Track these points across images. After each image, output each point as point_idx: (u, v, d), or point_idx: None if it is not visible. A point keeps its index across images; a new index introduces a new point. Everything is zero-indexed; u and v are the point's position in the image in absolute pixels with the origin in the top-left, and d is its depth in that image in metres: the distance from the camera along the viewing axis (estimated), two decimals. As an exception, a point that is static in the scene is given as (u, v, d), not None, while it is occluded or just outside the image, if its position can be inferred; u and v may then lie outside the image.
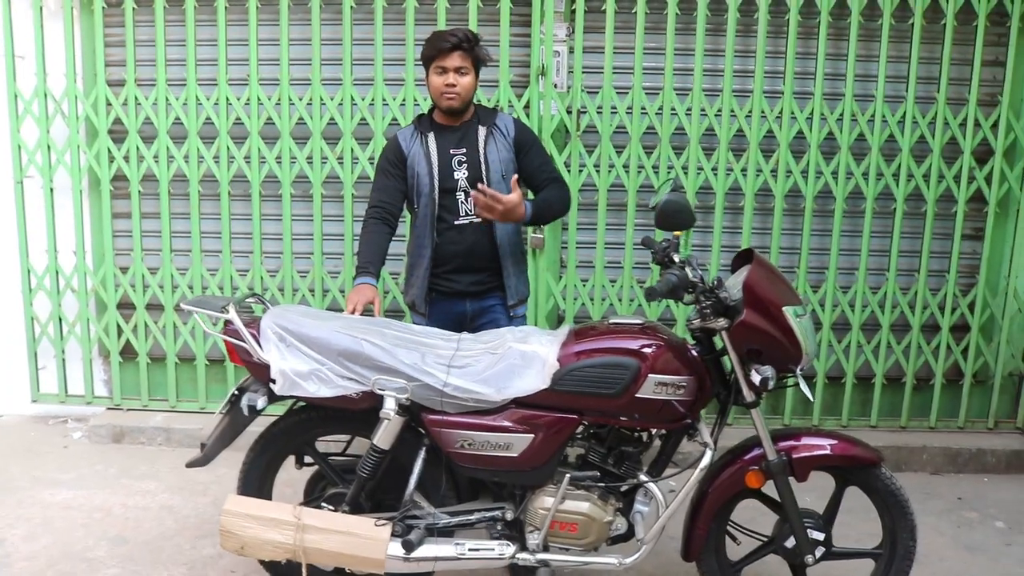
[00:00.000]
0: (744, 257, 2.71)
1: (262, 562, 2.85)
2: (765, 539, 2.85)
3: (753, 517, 2.89)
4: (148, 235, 4.52)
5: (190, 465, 2.81)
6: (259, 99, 4.32)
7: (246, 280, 4.49)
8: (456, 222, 3.18)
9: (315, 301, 4.46)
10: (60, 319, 4.59)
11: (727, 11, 4.22)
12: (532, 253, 4.29)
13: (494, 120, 3.25)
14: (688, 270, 2.56)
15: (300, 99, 4.31)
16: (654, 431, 2.73)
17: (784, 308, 2.52)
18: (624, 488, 2.71)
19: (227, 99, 4.33)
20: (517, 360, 2.58)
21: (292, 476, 2.96)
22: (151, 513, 3.69)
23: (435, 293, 3.25)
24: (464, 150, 3.20)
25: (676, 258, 2.63)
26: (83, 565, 3.24)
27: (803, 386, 2.59)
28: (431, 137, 3.20)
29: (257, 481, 2.86)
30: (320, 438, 2.87)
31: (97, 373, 4.71)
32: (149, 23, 4.35)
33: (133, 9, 4.31)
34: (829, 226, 4.41)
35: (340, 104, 4.30)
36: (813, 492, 2.95)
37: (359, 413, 2.65)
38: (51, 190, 4.47)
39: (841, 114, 4.28)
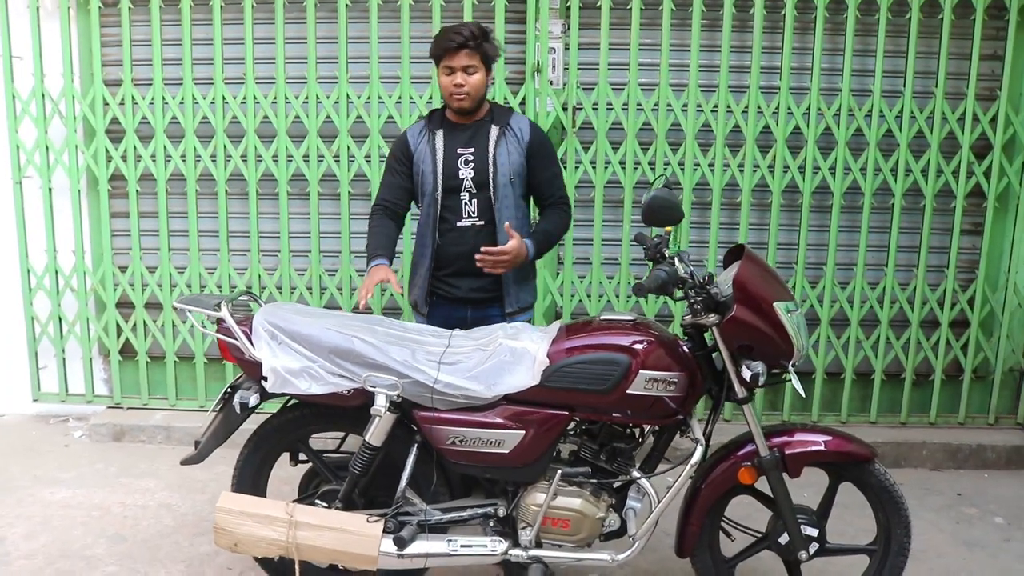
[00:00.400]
0: (736, 253, 2.70)
1: (257, 559, 2.86)
2: (759, 535, 2.85)
3: (749, 513, 2.88)
4: (146, 234, 4.53)
5: (184, 463, 2.82)
6: (255, 98, 4.33)
7: (244, 278, 4.50)
8: (459, 224, 3.11)
9: (313, 299, 4.46)
10: (60, 319, 4.61)
11: (723, 7, 4.21)
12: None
13: (508, 121, 3.15)
14: (678, 266, 2.56)
15: (296, 97, 4.32)
16: (646, 427, 2.73)
17: (775, 304, 2.51)
18: (617, 484, 2.71)
19: (223, 98, 4.34)
20: (507, 357, 2.59)
21: (291, 473, 2.97)
22: (150, 511, 3.70)
23: (436, 296, 3.19)
24: (472, 150, 3.10)
25: (667, 254, 2.62)
26: (82, 563, 3.25)
27: (795, 382, 2.58)
28: (439, 135, 3.12)
29: (251, 478, 2.87)
30: (313, 435, 2.88)
31: (97, 372, 4.73)
32: (145, 23, 4.36)
33: (129, 9, 4.31)
34: (827, 222, 4.40)
35: (336, 102, 4.31)
36: (810, 488, 2.96)
37: (351, 410, 2.66)
38: (49, 190, 4.48)
39: (838, 109, 4.27)
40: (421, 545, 2.63)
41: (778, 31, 4.29)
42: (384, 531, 2.61)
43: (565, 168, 4.23)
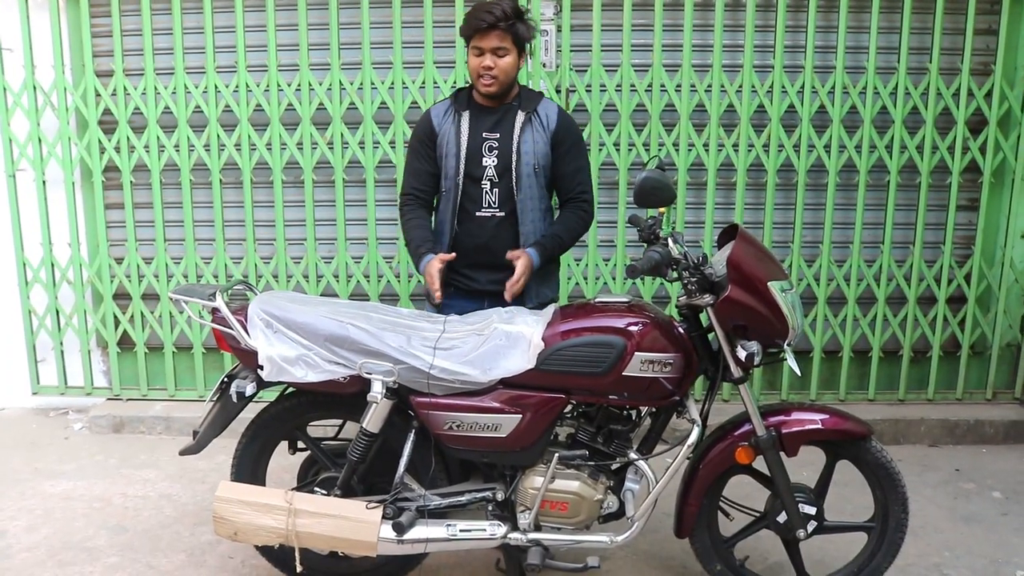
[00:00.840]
0: (730, 233, 2.70)
1: (257, 547, 2.87)
2: (757, 514, 2.86)
3: (747, 493, 2.89)
4: (141, 225, 4.52)
5: (183, 453, 2.83)
6: (247, 86, 4.31)
7: (240, 267, 4.50)
8: (478, 213, 3.00)
9: (309, 287, 4.46)
10: (57, 311, 4.60)
11: (716, -15, 4.20)
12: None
13: (536, 106, 3.00)
14: (672, 246, 2.55)
15: (288, 85, 4.30)
16: (643, 409, 2.74)
17: (769, 283, 2.52)
18: (614, 466, 2.72)
19: (215, 87, 4.32)
20: (502, 341, 2.58)
21: (290, 461, 2.98)
22: (150, 502, 3.71)
23: (452, 288, 3.02)
24: (497, 135, 2.97)
25: (660, 235, 2.61)
26: (83, 555, 3.26)
27: (791, 360, 2.59)
28: (465, 117, 2.99)
29: (250, 467, 2.87)
30: (311, 423, 2.88)
31: (96, 364, 4.73)
32: (135, 12, 4.33)
33: (119, -1, 4.30)
34: (823, 200, 4.39)
35: (329, 89, 4.29)
36: (808, 467, 2.96)
37: (349, 397, 2.66)
38: (43, 183, 4.47)
39: (833, 87, 4.25)
40: (420, 530, 2.63)
41: (771, 9, 4.27)
42: (383, 517, 2.62)
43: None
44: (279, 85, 4.30)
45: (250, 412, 2.82)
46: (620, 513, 2.73)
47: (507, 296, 2.85)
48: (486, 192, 2.99)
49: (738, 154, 4.31)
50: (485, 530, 2.66)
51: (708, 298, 2.55)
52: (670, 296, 4.42)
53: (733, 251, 2.52)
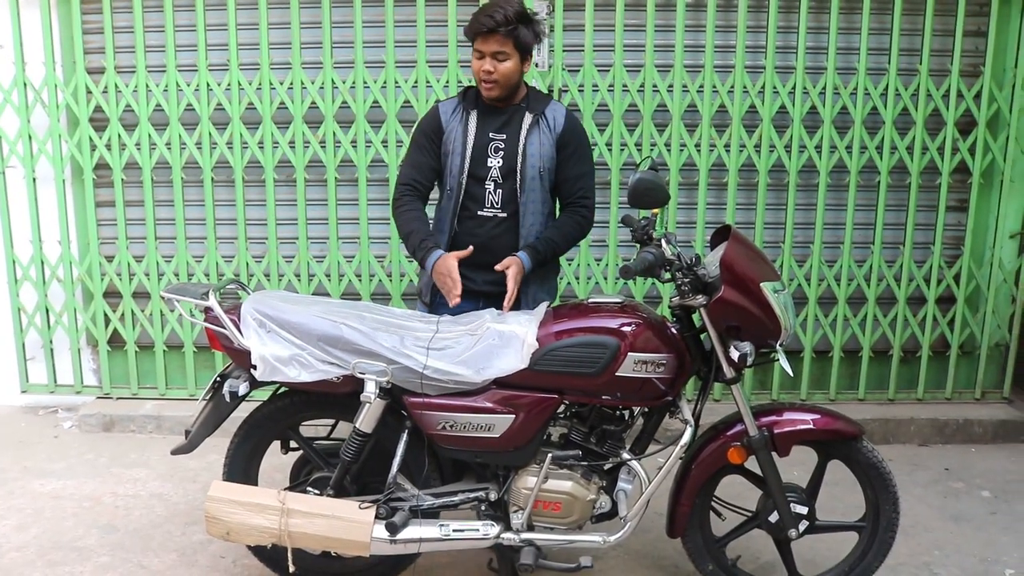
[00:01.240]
0: (722, 234, 2.71)
1: (250, 547, 2.86)
2: (749, 514, 2.87)
3: (739, 493, 2.91)
4: (132, 223, 4.50)
5: (175, 452, 2.83)
6: (240, 84, 4.30)
7: (231, 266, 4.49)
8: (479, 212, 2.98)
9: (301, 286, 4.45)
10: (47, 309, 4.58)
11: (708, -14, 4.21)
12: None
13: (543, 109, 2.98)
14: (665, 247, 2.56)
15: (281, 83, 4.29)
16: (636, 409, 2.75)
17: (762, 284, 2.53)
18: (607, 466, 2.73)
19: (208, 85, 4.31)
20: (496, 341, 2.58)
21: (282, 461, 2.98)
22: (141, 501, 3.70)
23: None
24: (504, 136, 2.95)
25: (654, 235, 2.62)
26: (73, 554, 3.25)
27: (783, 361, 2.60)
28: (474, 116, 2.96)
29: (242, 467, 2.87)
30: (304, 423, 2.88)
31: (86, 362, 4.71)
32: (127, 9, 4.31)
33: (111, -5, 4.28)
34: (813, 200, 4.41)
35: (321, 88, 4.28)
36: (799, 466, 2.98)
37: (342, 397, 2.66)
38: (33, 180, 4.45)
39: (824, 87, 4.27)
40: (413, 530, 2.64)
41: (763, 10, 4.29)
42: (376, 517, 2.61)
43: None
44: (271, 83, 4.29)
45: (242, 411, 2.82)
46: (613, 513, 2.74)
47: (505, 309, 2.81)
48: (489, 192, 2.97)
49: (729, 154, 4.32)
50: (478, 530, 2.67)
51: (701, 299, 2.56)
52: (661, 296, 4.43)
53: (726, 252, 2.53)
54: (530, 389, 2.60)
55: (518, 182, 2.96)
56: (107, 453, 4.19)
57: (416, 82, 4.26)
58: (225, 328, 2.64)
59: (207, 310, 2.69)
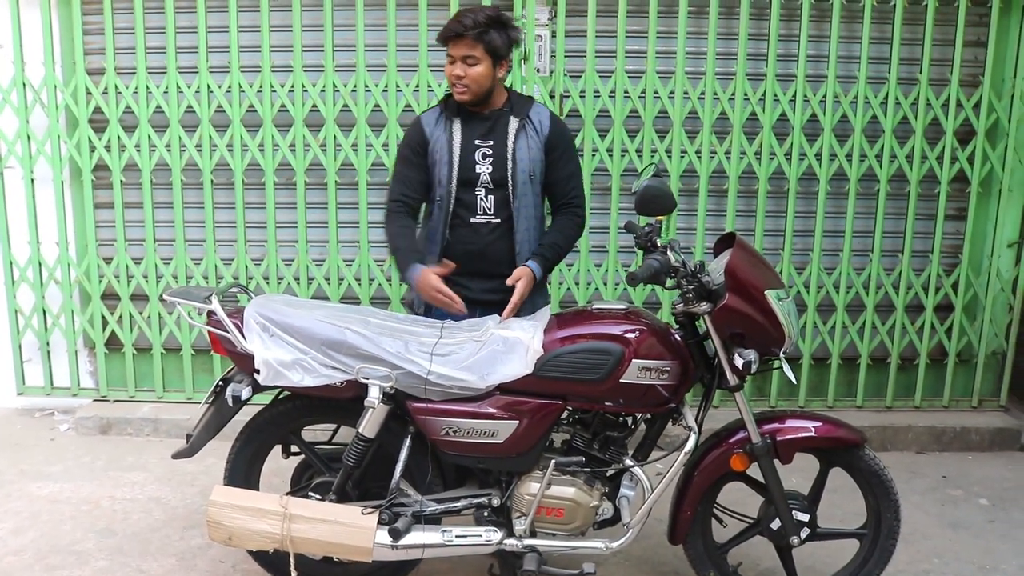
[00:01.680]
0: (726, 241, 2.72)
1: (251, 552, 2.86)
2: (751, 521, 2.87)
3: (739, 499, 2.91)
4: (131, 225, 4.49)
5: (176, 456, 2.82)
6: (240, 87, 4.29)
7: (231, 269, 4.47)
8: (472, 220, 2.95)
9: (300, 290, 4.44)
10: (44, 311, 4.56)
11: (709, -7, 4.22)
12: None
13: (528, 112, 2.96)
14: (670, 255, 2.57)
15: (282, 86, 4.28)
16: (639, 416, 2.74)
17: (766, 292, 2.54)
18: (610, 473, 2.73)
19: (208, 87, 4.30)
20: (500, 346, 2.59)
21: (281, 465, 2.97)
22: (139, 505, 3.68)
23: None
24: (491, 142, 2.92)
25: (658, 243, 2.62)
26: (72, 558, 3.23)
27: (786, 369, 2.61)
28: (457, 124, 2.94)
29: (244, 472, 2.86)
30: (306, 427, 2.87)
31: (83, 365, 4.69)
32: (128, 10, 4.29)
33: (111, -4, 4.27)
34: (813, 208, 4.42)
35: (322, 91, 4.28)
36: (799, 473, 2.98)
37: (344, 402, 2.66)
38: (32, 181, 4.43)
39: (824, 96, 4.28)
40: (416, 536, 2.64)
41: (764, 18, 4.30)
42: (379, 523, 2.61)
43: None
44: (272, 86, 4.28)
45: (244, 416, 2.81)
46: (615, 519, 2.74)
47: (504, 318, 2.80)
48: (481, 199, 2.95)
49: (730, 161, 4.33)
50: (481, 536, 2.67)
51: (706, 306, 2.56)
52: (661, 303, 4.43)
53: (731, 259, 2.54)
54: (534, 395, 2.60)
55: (510, 188, 2.94)
56: (104, 456, 4.17)
57: (418, 86, 4.25)
58: (228, 332, 2.63)
59: (210, 313, 2.69)
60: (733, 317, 2.53)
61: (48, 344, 4.60)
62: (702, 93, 4.27)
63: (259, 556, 2.87)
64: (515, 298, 2.83)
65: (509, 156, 2.93)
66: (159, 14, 4.31)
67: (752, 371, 2.56)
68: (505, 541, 2.67)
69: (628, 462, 2.69)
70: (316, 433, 2.93)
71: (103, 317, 4.54)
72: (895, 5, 4.24)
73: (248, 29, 4.30)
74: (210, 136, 4.35)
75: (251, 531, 2.61)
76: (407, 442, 2.67)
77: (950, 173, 4.38)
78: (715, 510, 2.85)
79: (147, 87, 4.32)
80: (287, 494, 2.72)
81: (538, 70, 4.27)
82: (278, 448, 2.92)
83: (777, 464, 2.71)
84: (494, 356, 2.58)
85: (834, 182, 4.39)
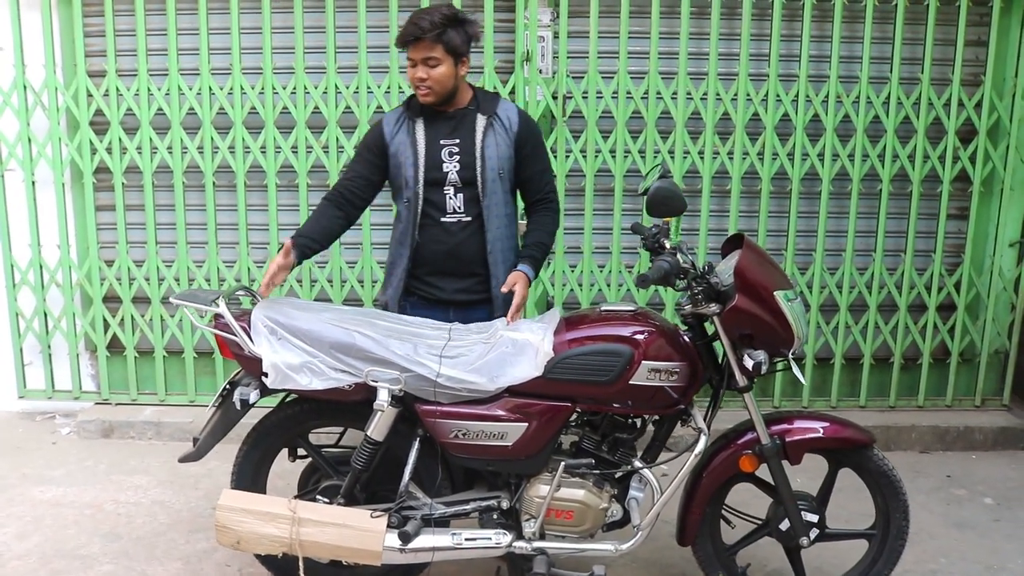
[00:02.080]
0: (734, 242, 2.71)
1: (258, 556, 2.85)
2: (760, 522, 2.87)
3: (748, 500, 2.90)
4: (133, 227, 4.47)
5: (183, 460, 2.81)
6: (242, 88, 4.28)
7: (233, 271, 4.46)
8: (442, 219, 2.93)
9: (302, 291, 4.43)
10: (45, 314, 4.54)
11: (711, -6, 4.22)
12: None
13: (495, 109, 2.94)
14: (679, 256, 2.56)
15: (284, 88, 4.27)
16: (647, 417, 2.74)
17: (775, 292, 2.53)
18: (619, 475, 2.72)
19: (210, 89, 4.28)
20: (509, 349, 2.58)
21: (285, 468, 2.96)
22: (143, 508, 3.67)
23: (415, 298, 3.01)
24: (457, 141, 2.90)
25: (667, 244, 2.62)
26: (77, 562, 3.22)
27: (795, 370, 2.60)
28: (420, 124, 2.92)
29: (251, 475, 2.85)
30: (313, 430, 2.86)
31: (84, 368, 4.67)
32: (129, 12, 4.28)
33: (112, -2, 4.25)
34: (816, 208, 4.42)
35: (324, 92, 4.27)
36: (806, 473, 2.98)
37: (352, 405, 2.65)
38: (33, 183, 4.41)
39: (826, 96, 4.29)
40: (425, 539, 2.63)
41: (766, 19, 4.30)
42: (388, 526, 2.60)
43: (555, 157, 4.21)
44: (274, 88, 4.27)
45: (251, 419, 2.80)
46: (624, 521, 2.73)
47: (508, 322, 2.79)
48: (450, 198, 2.93)
49: (733, 162, 4.33)
50: (491, 538, 2.66)
51: (715, 307, 2.56)
52: (664, 304, 4.43)
53: (740, 260, 2.53)
54: (543, 397, 2.59)
55: (479, 186, 2.92)
56: (106, 459, 4.16)
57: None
58: (235, 335, 2.62)
59: (216, 316, 2.67)
60: (742, 318, 2.53)
61: (49, 347, 4.59)
62: (704, 94, 4.27)
63: (267, 560, 2.86)
64: (517, 300, 2.83)
65: (478, 154, 2.91)
66: (160, 16, 4.29)
67: (762, 372, 2.55)
68: (515, 544, 2.66)
69: (637, 464, 2.69)
70: (321, 436, 2.92)
71: (104, 320, 4.52)
72: (896, 5, 4.25)
73: (250, 31, 4.29)
74: (212, 138, 4.34)
75: (260, 535, 2.59)
76: (416, 445, 2.67)
77: (952, 173, 4.39)
78: (724, 511, 2.85)
79: (148, 89, 4.30)
80: (295, 497, 2.71)
81: (540, 71, 4.26)
82: (285, 452, 2.91)
83: (786, 464, 2.71)
84: (503, 358, 2.57)
85: (836, 182, 4.40)
